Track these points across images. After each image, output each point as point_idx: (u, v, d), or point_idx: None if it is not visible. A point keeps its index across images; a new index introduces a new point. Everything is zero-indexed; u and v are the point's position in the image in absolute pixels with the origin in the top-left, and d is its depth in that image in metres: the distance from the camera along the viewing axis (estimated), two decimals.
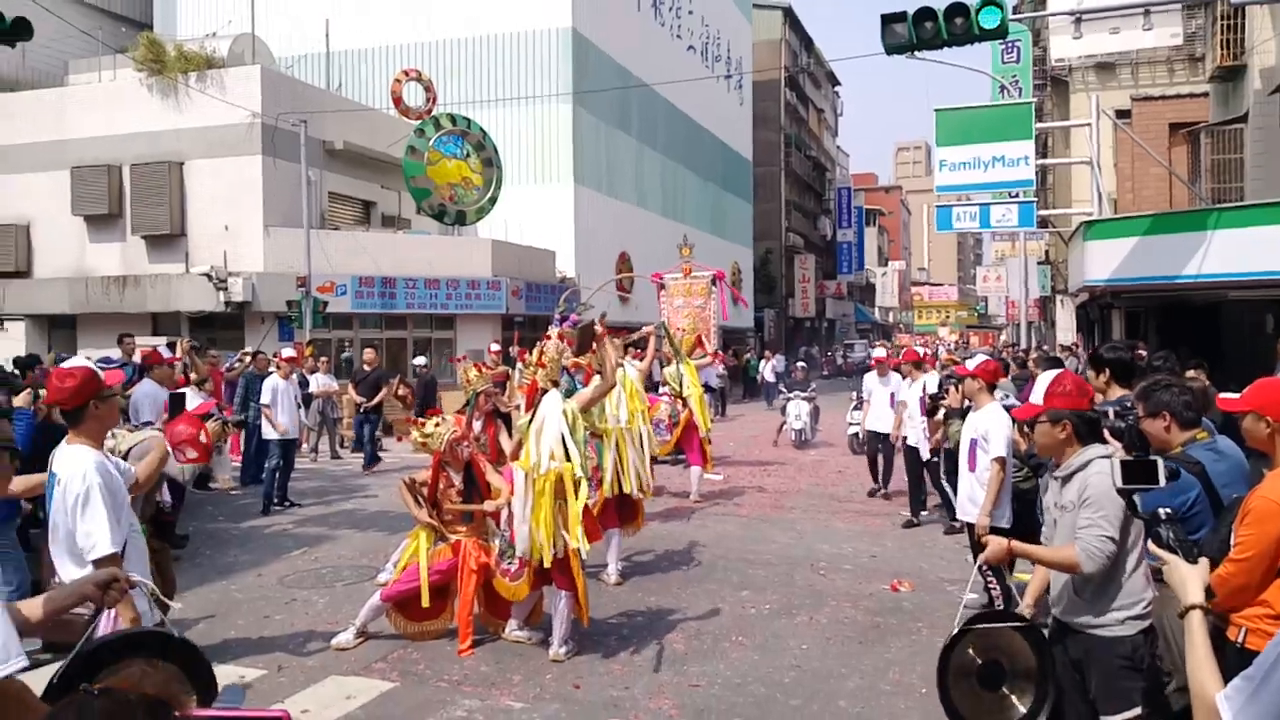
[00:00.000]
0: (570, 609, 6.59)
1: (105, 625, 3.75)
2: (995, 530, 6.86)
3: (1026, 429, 4.18)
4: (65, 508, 3.89)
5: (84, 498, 3.86)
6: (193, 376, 11.78)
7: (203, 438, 7.14)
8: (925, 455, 10.85)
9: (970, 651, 3.82)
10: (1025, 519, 6.74)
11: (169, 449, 6.13)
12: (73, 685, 1.33)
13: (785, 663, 6.60)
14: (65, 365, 4.26)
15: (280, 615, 7.74)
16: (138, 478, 4.61)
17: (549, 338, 6.91)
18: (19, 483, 4.70)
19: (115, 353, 13.07)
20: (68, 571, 3.93)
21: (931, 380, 11.05)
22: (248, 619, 7.64)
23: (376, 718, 5.71)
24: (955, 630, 3.83)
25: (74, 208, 21.84)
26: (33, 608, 2.84)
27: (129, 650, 2.71)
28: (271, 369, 13.08)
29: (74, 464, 3.93)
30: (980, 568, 6.97)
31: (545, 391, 6.62)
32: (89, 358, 7.27)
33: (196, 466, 6.88)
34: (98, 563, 3.77)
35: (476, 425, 8.18)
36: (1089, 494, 3.75)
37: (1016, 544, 4.03)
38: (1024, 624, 3.90)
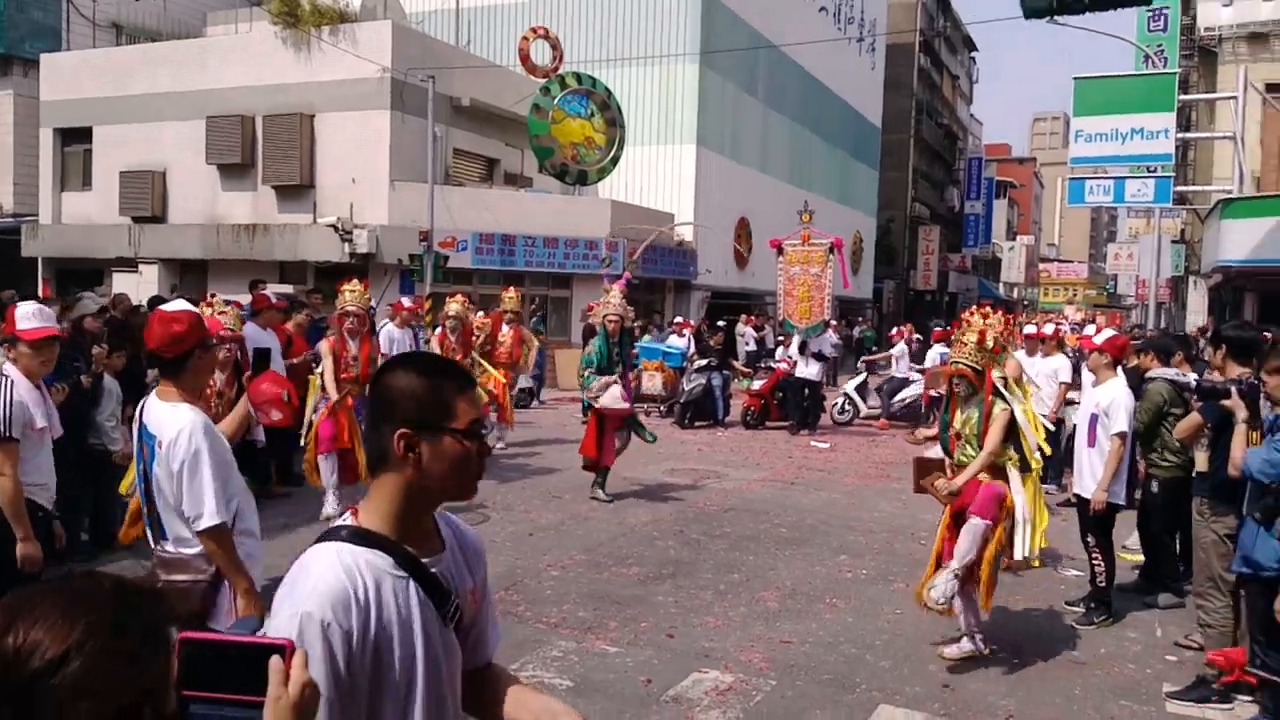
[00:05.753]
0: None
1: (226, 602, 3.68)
2: (1111, 508, 6.77)
3: None
4: (170, 472, 3.55)
5: (191, 464, 3.52)
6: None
7: (288, 398, 7.28)
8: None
9: None
10: (1179, 508, 6.85)
11: (251, 410, 6.06)
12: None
13: (878, 626, 6.61)
14: (167, 307, 3.80)
15: None
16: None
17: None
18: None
19: (245, 298, 13.44)
20: (176, 530, 3.69)
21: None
22: None
23: None
24: None
25: (208, 156, 22.49)
26: None
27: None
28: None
29: (176, 425, 3.55)
30: (1086, 543, 6.93)
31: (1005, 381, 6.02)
32: (227, 300, 7.49)
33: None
34: (204, 533, 3.56)
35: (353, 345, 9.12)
36: None
37: None
38: None
